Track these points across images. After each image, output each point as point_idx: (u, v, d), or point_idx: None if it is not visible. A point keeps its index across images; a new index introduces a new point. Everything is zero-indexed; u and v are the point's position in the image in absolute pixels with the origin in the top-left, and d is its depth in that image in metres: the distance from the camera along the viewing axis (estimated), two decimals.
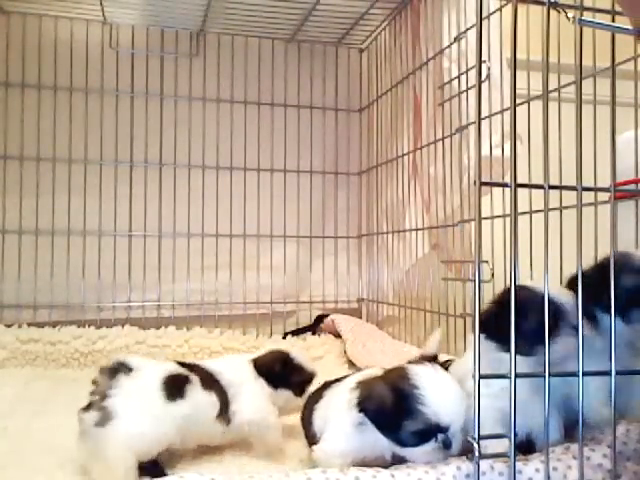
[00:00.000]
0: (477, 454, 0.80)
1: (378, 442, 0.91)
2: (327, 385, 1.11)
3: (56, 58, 2.18)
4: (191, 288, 2.26)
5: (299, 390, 1.24)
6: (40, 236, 2.14)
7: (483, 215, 0.93)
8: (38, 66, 2.16)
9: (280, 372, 1.23)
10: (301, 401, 1.21)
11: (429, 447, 0.87)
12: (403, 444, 0.88)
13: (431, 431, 0.87)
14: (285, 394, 1.23)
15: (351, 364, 1.99)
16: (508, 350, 0.81)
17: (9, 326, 2.01)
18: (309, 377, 1.25)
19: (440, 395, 0.88)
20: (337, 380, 1.10)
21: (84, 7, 2.11)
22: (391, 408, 0.88)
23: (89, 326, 2.05)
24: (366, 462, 0.90)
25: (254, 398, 1.19)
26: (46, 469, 1.08)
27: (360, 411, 0.91)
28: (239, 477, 0.82)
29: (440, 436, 0.87)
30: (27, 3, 2.10)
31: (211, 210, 2.28)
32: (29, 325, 2.03)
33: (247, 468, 1.12)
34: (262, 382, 1.22)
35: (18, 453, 1.19)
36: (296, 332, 2.29)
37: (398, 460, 0.90)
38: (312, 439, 1.03)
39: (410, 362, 0.96)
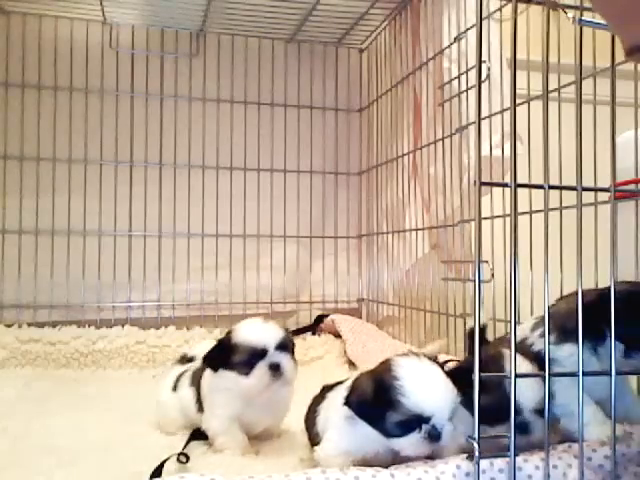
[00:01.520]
0: (477, 454, 0.80)
1: (370, 435, 0.92)
2: (330, 387, 1.12)
3: (56, 58, 2.18)
4: (191, 288, 2.26)
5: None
6: (40, 236, 2.14)
7: (483, 215, 0.93)
8: (38, 66, 2.16)
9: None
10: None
11: (414, 438, 0.87)
12: (388, 435, 0.89)
13: (413, 421, 0.87)
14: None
15: (351, 364, 2.00)
16: None
17: (9, 326, 2.01)
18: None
19: (421, 386, 0.88)
20: (340, 382, 1.11)
21: (84, 7, 2.12)
22: (372, 400, 0.90)
23: (89, 326, 2.06)
24: (367, 460, 0.90)
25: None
26: (46, 469, 1.08)
27: (345, 404, 0.93)
28: (239, 477, 0.82)
29: (425, 427, 0.87)
30: (27, 3, 2.10)
31: (211, 210, 2.28)
32: (29, 325, 2.04)
33: (247, 469, 1.12)
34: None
35: (18, 453, 1.19)
36: (296, 332, 2.28)
37: (393, 454, 0.90)
38: (315, 440, 1.04)
39: (397, 355, 0.97)
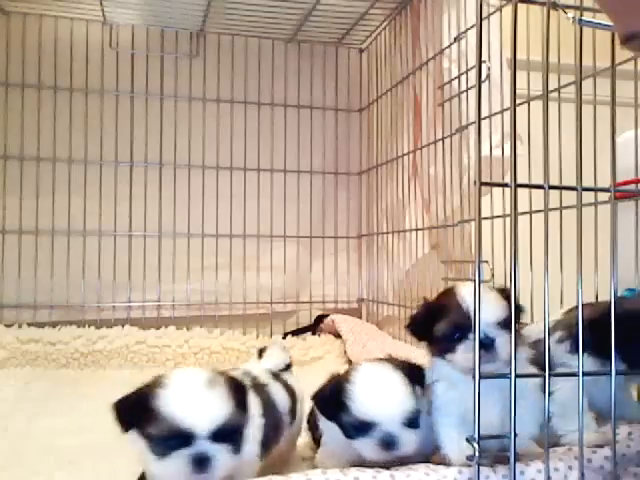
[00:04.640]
0: (477, 454, 0.80)
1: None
2: None
3: (56, 58, 2.18)
4: (191, 288, 2.26)
5: None
6: (40, 236, 2.14)
7: (483, 215, 0.93)
8: (38, 66, 2.16)
9: None
10: None
11: (369, 443, 0.87)
12: (347, 435, 0.91)
13: (363, 426, 0.88)
14: None
15: (351, 364, 1.99)
16: None
17: (9, 326, 2.01)
18: None
19: (369, 392, 0.89)
20: None
21: (84, 7, 2.12)
22: (330, 399, 0.92)
23: (89, 326, 2.05)
24: (364, 462, 0.90)
25: None
26: (46, 469, 1.08)
27: (311, 398, 0.97)
28: (239, 477, 0.82)
29: (376, 433, 0.87)
30: (27, 3, 2.10)
31: (211, 210, 2.28)
32: (29, 325, 2.04)
33: None
34: None
35: (18, 453, 1.19)
36: (296, 332, 2.29)
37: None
38: (318, 440, 1.05)
39: (368, 359, 0.99)
